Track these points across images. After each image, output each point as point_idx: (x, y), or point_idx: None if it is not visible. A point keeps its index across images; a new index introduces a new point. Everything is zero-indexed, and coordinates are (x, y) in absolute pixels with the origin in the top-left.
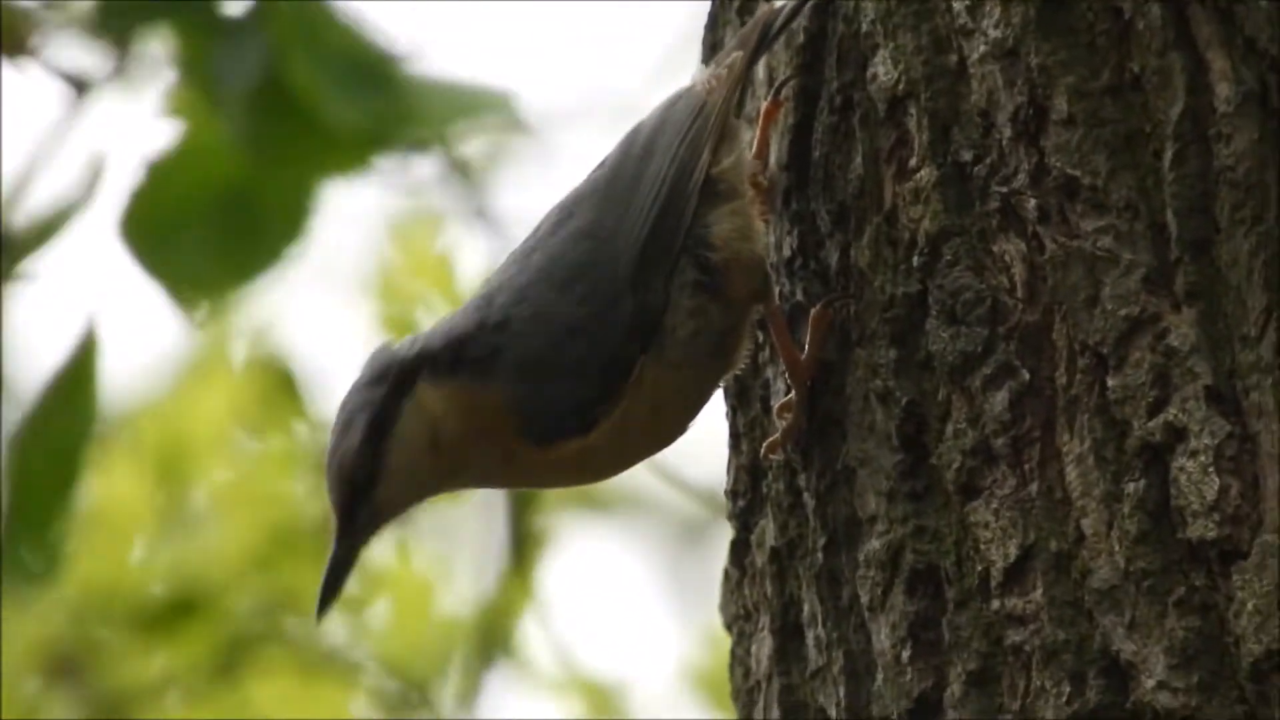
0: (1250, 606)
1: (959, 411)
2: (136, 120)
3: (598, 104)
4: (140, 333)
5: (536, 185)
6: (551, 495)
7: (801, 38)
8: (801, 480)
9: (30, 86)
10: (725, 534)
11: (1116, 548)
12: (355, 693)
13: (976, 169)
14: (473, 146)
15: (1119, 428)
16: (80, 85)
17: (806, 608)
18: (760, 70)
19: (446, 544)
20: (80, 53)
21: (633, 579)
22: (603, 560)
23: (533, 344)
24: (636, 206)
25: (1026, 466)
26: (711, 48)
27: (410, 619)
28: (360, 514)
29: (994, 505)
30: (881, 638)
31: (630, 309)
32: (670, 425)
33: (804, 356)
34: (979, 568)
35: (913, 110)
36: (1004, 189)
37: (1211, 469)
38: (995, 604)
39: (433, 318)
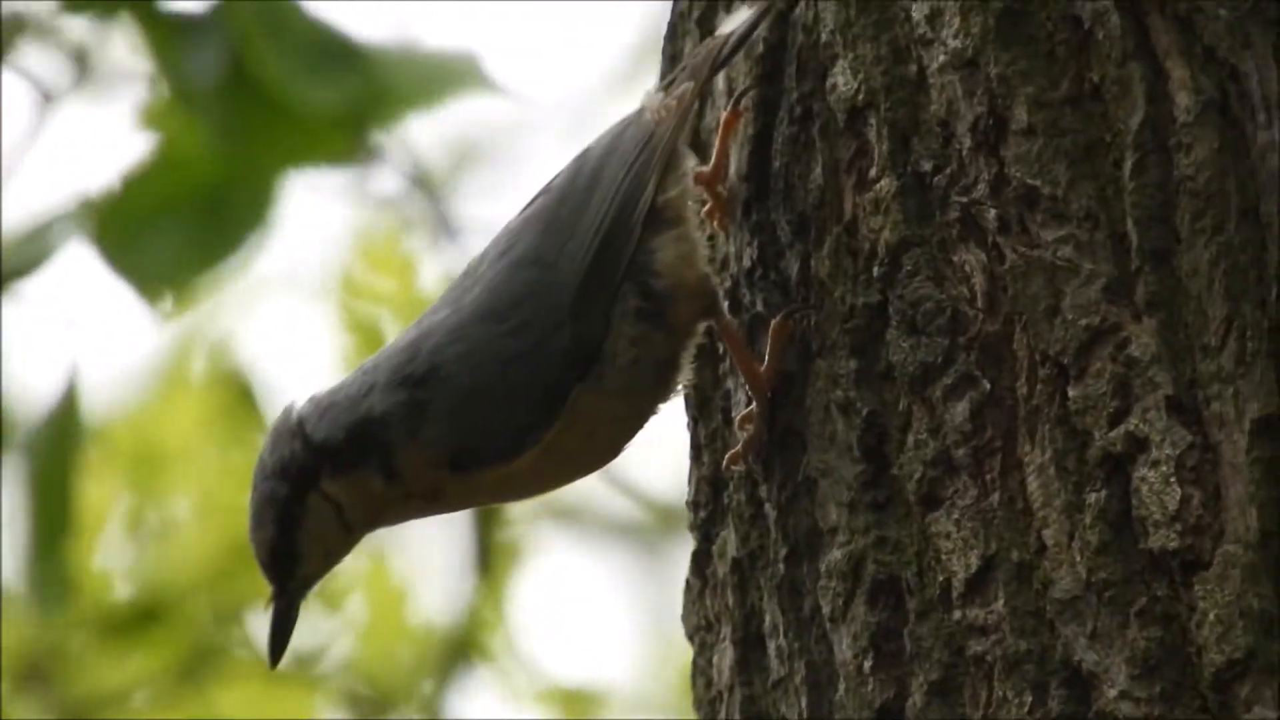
0: (1212, 616)
1: (920, 422)
2: (105, 124)
3: (557, 110)
4: (107, 345)
5: (497, 194)
6: (519, 507)
7: (761, 48)
8: (763, 491)
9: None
10: (687, 545)
11: (1078, 558)
12: (321, 699)
13: (936, 179)
14: (435, 155)
15: (1080, 438)
16: (46, 92)
17: (768, 618)
18: (720, 80)
19: (414, 553)
20: (46, 58)
21: (598, 587)
22: (569, 569)
23: (463, 383)
24: (580, 235)
25: (988, 477)
26: (671, 58)
27: (378, 627)
28: (290, 584)
29: (955, 516)
30: (843, 648)
31: (568, 337)
32: (600, 452)
33: (764, 368)
34: (940, 578)
35: (872, 120)
36: (964, 199)
37: (1173, 479)
38: (957, 614)
39: (395, 326)
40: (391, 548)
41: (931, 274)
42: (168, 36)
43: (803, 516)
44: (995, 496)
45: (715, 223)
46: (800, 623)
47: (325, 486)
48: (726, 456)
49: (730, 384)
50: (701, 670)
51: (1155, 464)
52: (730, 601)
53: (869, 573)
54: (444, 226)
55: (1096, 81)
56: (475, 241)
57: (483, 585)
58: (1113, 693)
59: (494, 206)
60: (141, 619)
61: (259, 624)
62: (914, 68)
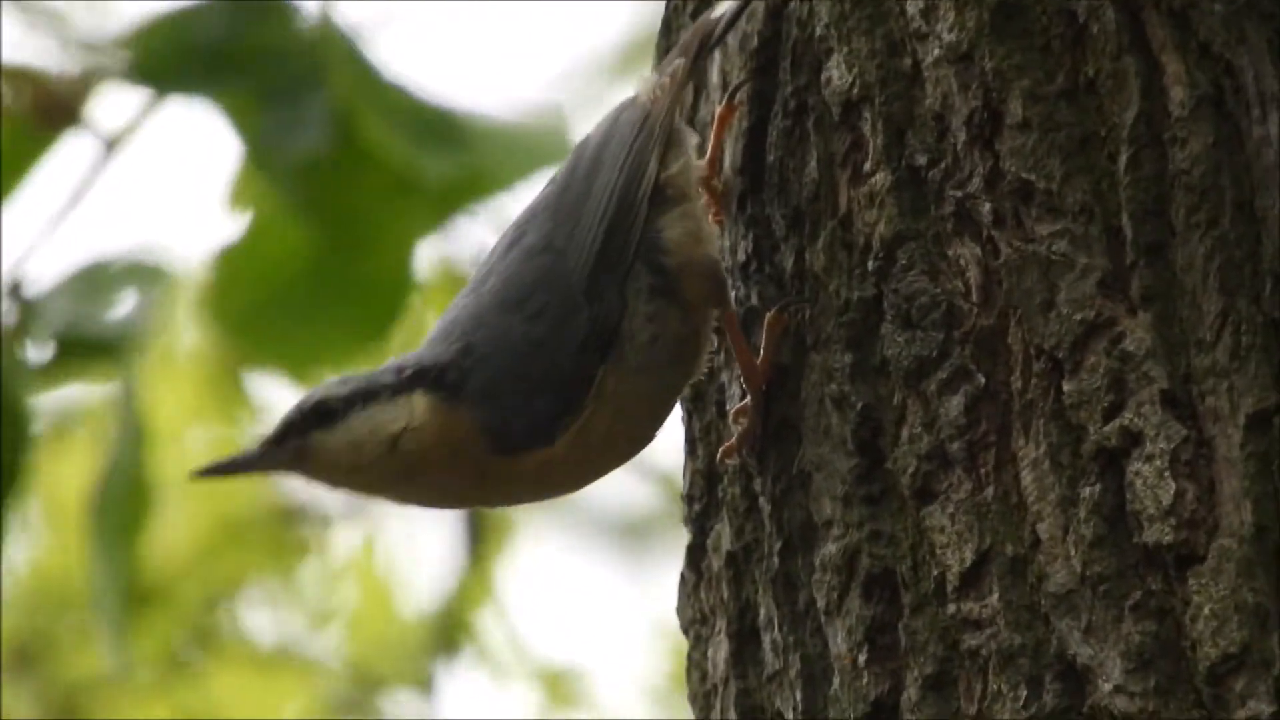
0: (1207, 610)
1: (914, 416)
2: (184, 188)
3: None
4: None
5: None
6: None
7: (755, 42)
8: (757, 485)
9: (72, 145)
10: (681, 537)
11: (1073, 552)
12: (312, 685)
13: (931, 173)
14: None
15: (1075, 432)
16: (112, 142)
17: (763, 612)
18: (714, 74)
19: (405, 537)
20: (119, 112)
21: (590, 573)
22: (560, 553)
23: (494, 365)
24: (586, 220)
25: (982, 471)
26: (666, 52)
27: (368, 610)
28: (289, 441)
29: (950, 510)
30: (838, 642)
31: (586, 320)
32: (635, 434)
33: (759, 361)
34: (935, 572)
35: (867, 114)
36: (959, 193)
37: (1167, 473)
38: (952, 608)
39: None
40: (381, 532)
41: (926, 268)
42: (261, 104)
43: (797, 510)
44: (990, 490)
45: (711, 216)
46: (795, 616)
47: (416, 398)
48: (721, 450)
49: (725, 377)
50: (696, 664)
51: (1150, 458)
52: (725, 595)
53: (864, 566)
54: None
55: (1091, 76)
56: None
57: (472, 568)
58: (1107, 687)
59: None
60: (133, 603)
61: (249, 609)
62: (909, 61)
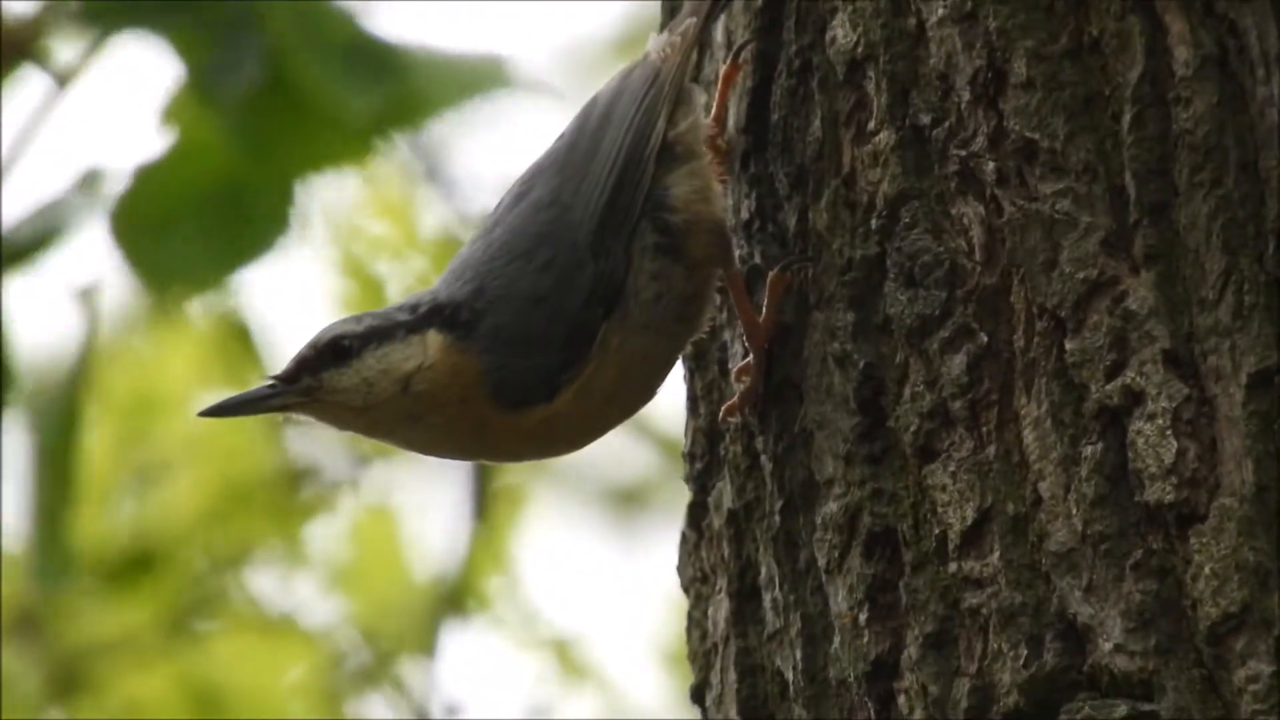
0: (1208, 570)
1: (917, 374)
2: (126, 114)
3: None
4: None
5: (489, 147)
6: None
7: (760, 0)
8: (759, 443)
9: (21, 82)
10: (681, 501)
11: (1074, 511)
12: (317, 651)
13: (935, 132)
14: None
15: (1077, 391)
16: (63, 78)
17: (764, 570)
18: (719, 33)
19: (411, 503)
20: (70, 48)
21: (594, 538)
22: (564, 519)
23: (504, 311)
24: (594, 175)
25: (984, 429)
26: (671, 12)
27: (374, 576)
28: (302, 379)
29: (951, 468)
30: (839, 600)
31: (591, 275)
32: (637, 391)
33: (761, 320)
34: (936, 530)
35: (871, 73)
36: (962, 152)
37: (1169, 432)
38: (953, 567)
39: (392, 271)
40: (388, 497)
41: (929, 227)
42: (201, 38)
43: (799, 468)
44: (991, 449)
45: (715, 174)
46: (796, 575)
47: (430, 336)
48: (723, 408)
49: (727, 336)
50: (697, 622)
51: (1151, 417)
52: (726, 553)
53: (865, 525)
54: (438, 177)
55: (1095, 35)
56: (471, 193)
57: (479, 534)
58: (1108, 646)
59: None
60: (135, 568)
61: (254, 573)
62: (913, 21)
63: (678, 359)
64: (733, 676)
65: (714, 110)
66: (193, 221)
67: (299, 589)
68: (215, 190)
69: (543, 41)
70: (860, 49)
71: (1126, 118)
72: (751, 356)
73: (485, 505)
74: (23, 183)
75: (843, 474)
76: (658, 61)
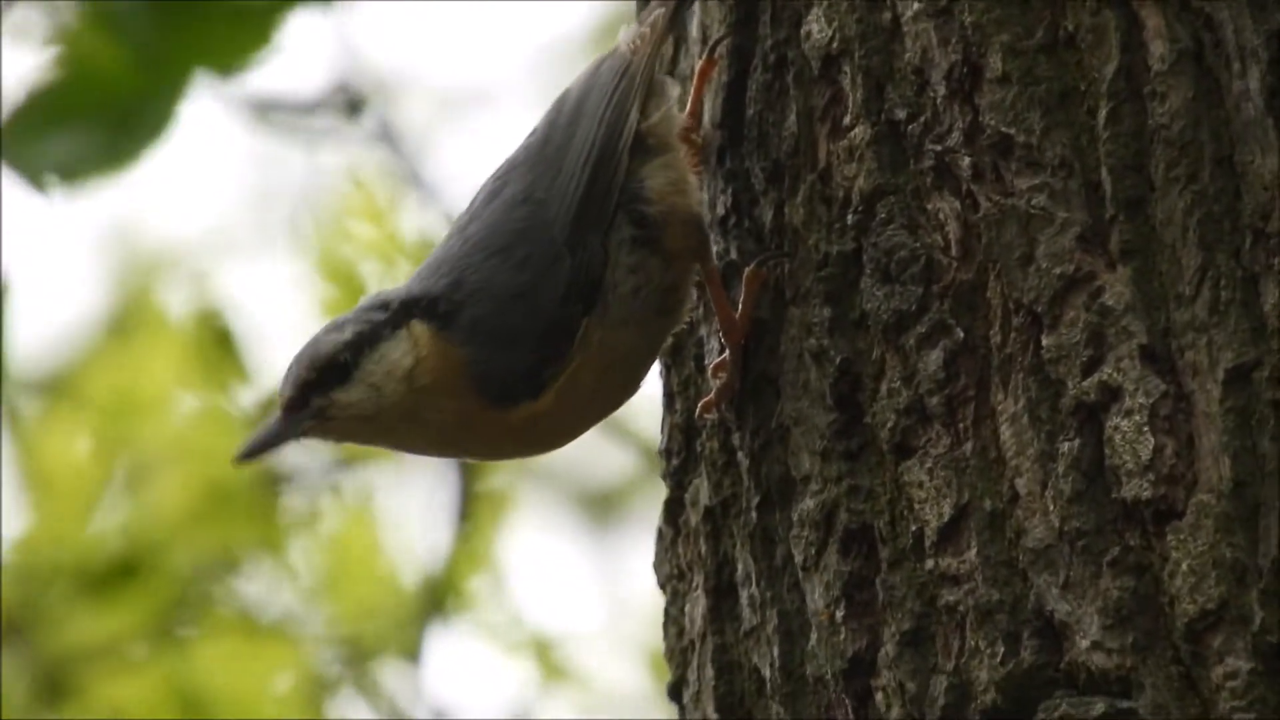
0: (1185, 566)
1: (893, 370)
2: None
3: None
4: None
5: (466, 151)
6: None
7: None
8: (736, 439)
9: None
10: (658, 494)
11: (1051, 507)
12: (301, 655)
13: (910, 127)
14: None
15: (1053, 387)
16: None
17: (740, 567)
18: (694, 29)
19: (395, 505)
20: None
21: (572, 538)
22: (546, 521)
23: (482, 307)
24: (568, 170)
25: (961, 426)
26: (645, 2)
27: (358, 578)
28: (312, 403)
29: (928, 464)
30: (815, 597)
31: (568, 270)
32: (620, 385)
33: (738, 316)
34: (913, 527)
35: (847, 68)
36: (938, 147)
37: (1146, 428)
38: (929, 564)
39: (374, 272)
40: (372, 499)
41: (905, 222)
42: None
43: (775, 465)
44: (968, 445)
45: (689, 166)
46: (772, 571)
47: (415, 328)
48: (699, 404)
49: (703, 331)
50: (673, 619)
51: (1128, 413)
52: (702, 550)
53: (841, 521)
54: (416, 178)
55: (1071, 29)
56: (450, 192)
57: (463, 536)
58: (1085, 643)
59: (466, 159)
60: (118, 573)
61: (238, 578)
62: (888, 15)
63: (659, 351)
64: (710, 673)
65: (689, 105)
66: (79, 127)
67: (282, 593)
68: (104, 98)
69: (521, 40)
70: (835, 44)
71: (1102, 113)
72: (728, 352)
73: (468, 507)
74: None
75: (819, 470)
76: (628, 53)
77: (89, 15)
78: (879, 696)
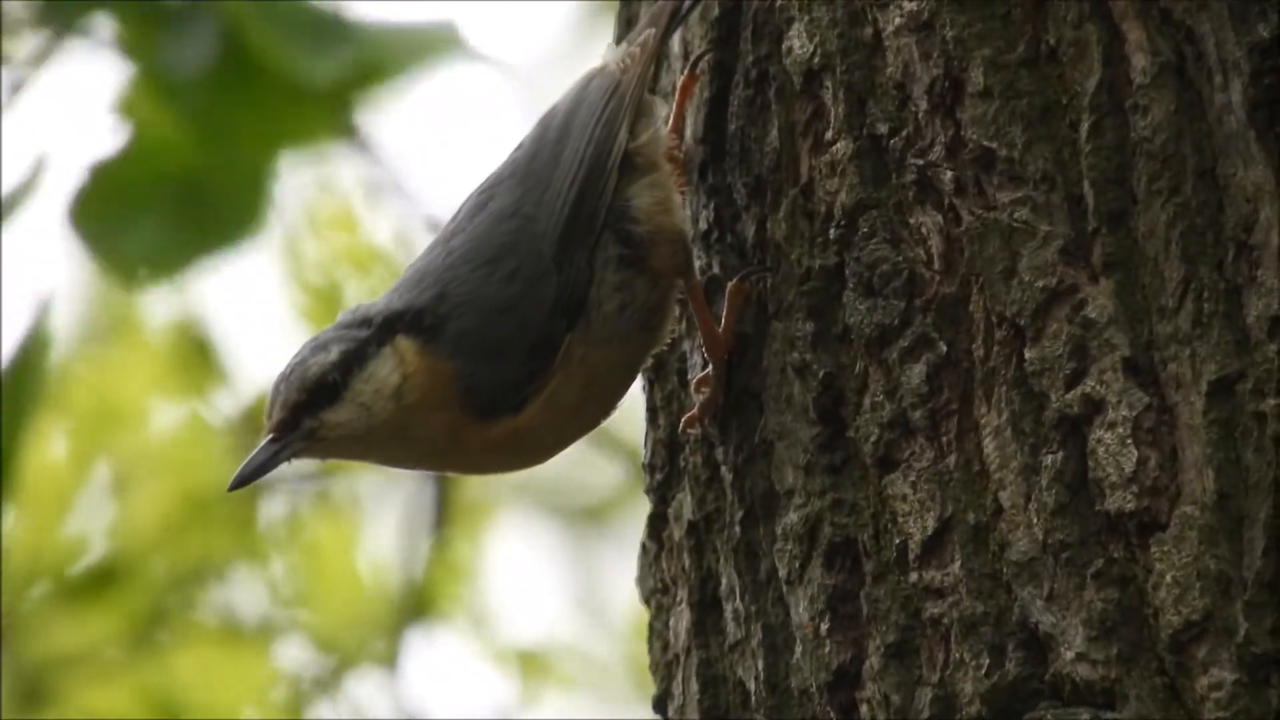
0: (1169, 578)
1: (876, 384)
2: (80, 106)
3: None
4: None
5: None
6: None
7: (716, 11)
8: (719, 454)
9: None
10: (641, 509)
11: (1035, 520)
12: (278, 663)
13: (893, 141)
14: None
15: (1037, 400)
16: (18, 78)
17: (724, 581)
18: (675, 44)
19: (373, 514)
20: (21, 39)
21: (554, 548)
22: (525, 531)
23: (468, 318)
24: (556, 186)
25: (944, 439)
26: (626, 23)
27: (335, 587)
28: (302, 424)
29: (912, 478)
30: (800, 610)
31: (555, 287)
32: (602, 401)
33: (721, 330)
34: (897, 540)
35: (828, 83)
36: (920, 161)
37: (1130, 441)
38: (914, 576)
39: (349, 280)
40: (350, 507)
41: (888, 236)
42: (152, 25)
43: (759, 479)
44: (952, 458)
45: (675, 185)
46: (757, 585)
47: (401, 344)
48: (683, 419)
49: (686, 346)
50: (658, 633)
51: (1112, 425)
52: (687, 564)
53: (825, 535)
54: (393, 185)
55: (1053, 43)
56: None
57: (440, 545)
58: (1069, 654)
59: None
60: (96, 581)
61: (215, 586)
62: (870, 30)
63: (640, 369)
64: (695, 687)
65: (671, 121)
66: (156, 211)
67: (260, 601)
68: (177, 179)
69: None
70: (817, 59)
71: (1084, 126)
72: (711, 367)
73: (446, 516)
74: None
75: (803, 484)
76: (617, 72)
77: (143, 83)
78: (864, 709)
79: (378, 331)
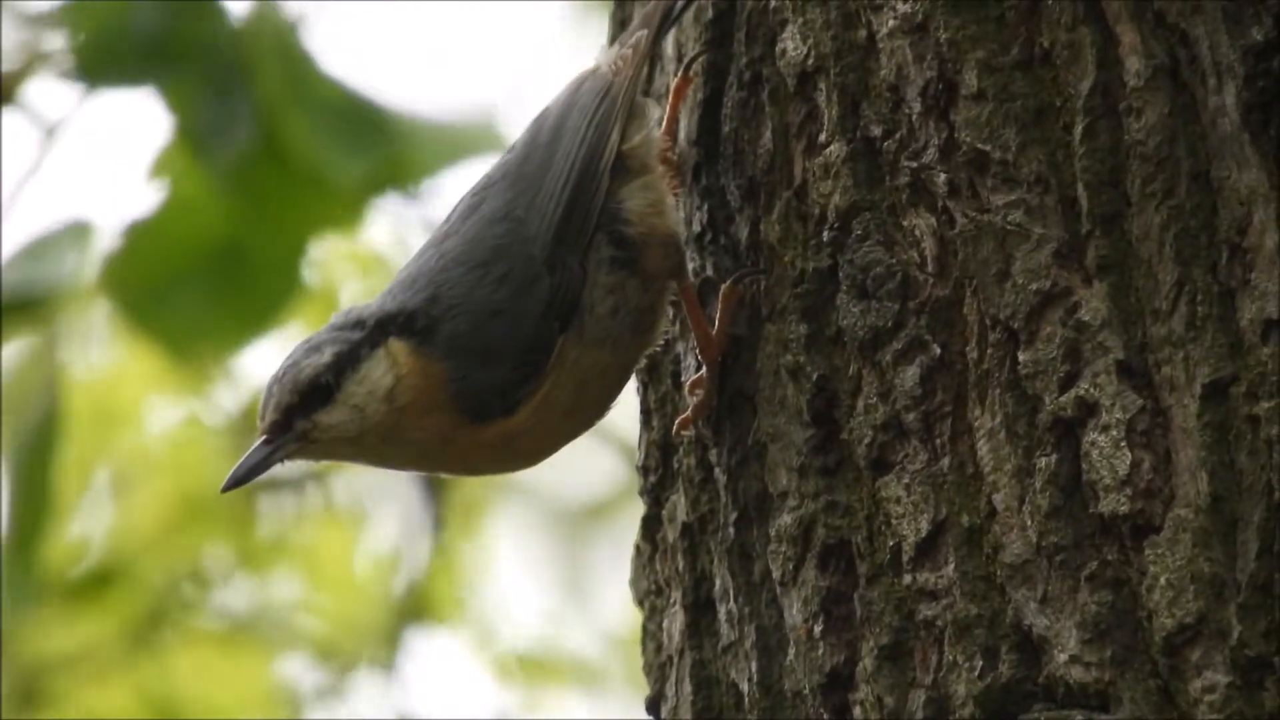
0: (1163, 581)
1: (870, 386)
2: (118, 167)
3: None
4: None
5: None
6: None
7: (710, 13)
8: (713, 456)
9: (8, 130)
10: (635, 510)
11: (1028, 522)
12: (276, 664)
13: (886, 144)
14: None
15: (1030, 402)
16: (52, 129)
17: (718, 583)
18: (669, 46)
19: (371, 516)
20: (60, 98)
21: (551, 550)
22: (522, 529)
23: (460, 320)
24: (548, 189)
25: (938, 441)
26: (621, 24)
27: (334, 589)
28: (295, 426)
29: (905, 480)
30: (793, 612)
31: (547, 289)
32: (595, 403)
33: (714, 333)
34: (890, 543)
35: (822, 85)
36: (914, 164)
37: (1123, 443)
38: (907, 579)
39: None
40: (348, 510)
41: (881, 238)
42: (195, 95)
43: (753, 481)
44: (945, 461)
45: (668, 187)
46: (750, 587)
47: (394, 345)
48: (677, 421)
49: (680, 348)
50: (651, 635)
51: (1105, 428)
52: (680, 566)
53: (819, 537)
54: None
55: (1047, 46)
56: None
57: (440, 545)
58: (1063, 657)
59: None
60: (94, 581)
61: (213, 586)
62: (863, 32)
63: (633, 370)
64: (688, 688)
65: (664, 123)
66: (194, 281)
67: (258, 602)
68: (213, 249)
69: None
70: (811, 61)
71: (1078, 128)
72: (705, 369)
73: (444, 516)
74: (10, 233)
75: (797, 486)
76: (609, 74)
77: (180, 145)
78: (857, 711)
79: (371, 334)
